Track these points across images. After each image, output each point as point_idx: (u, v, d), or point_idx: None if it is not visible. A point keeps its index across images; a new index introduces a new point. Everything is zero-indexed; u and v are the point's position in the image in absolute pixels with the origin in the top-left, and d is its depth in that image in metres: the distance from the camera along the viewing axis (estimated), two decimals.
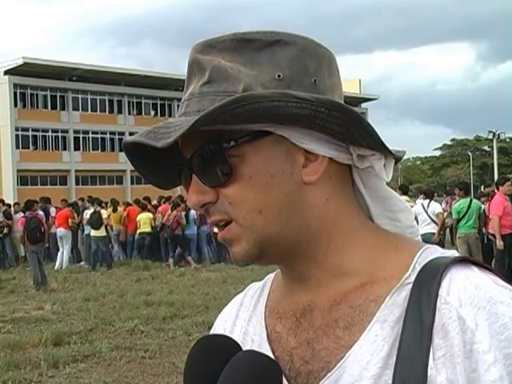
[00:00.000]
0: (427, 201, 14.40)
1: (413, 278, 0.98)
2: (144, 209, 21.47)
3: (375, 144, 1.02)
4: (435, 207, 14.34)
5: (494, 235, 12.85)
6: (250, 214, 0.99)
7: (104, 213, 20.65)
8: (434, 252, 1.02)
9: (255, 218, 1.00)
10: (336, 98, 1.03)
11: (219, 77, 1.00)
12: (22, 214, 19.50)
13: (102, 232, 20.03)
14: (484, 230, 13.84)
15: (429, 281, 0.95)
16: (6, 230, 20.88)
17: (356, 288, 1.02)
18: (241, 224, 1.00)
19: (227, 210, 1.00)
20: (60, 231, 20.57)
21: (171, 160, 1.07)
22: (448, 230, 19.23)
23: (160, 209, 21.17)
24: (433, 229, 13.91)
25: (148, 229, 20.91)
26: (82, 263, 21.42)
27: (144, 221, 20.91)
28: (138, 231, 21.10)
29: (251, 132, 0.98)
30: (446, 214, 16.75)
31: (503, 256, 12.58)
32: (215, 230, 1.06)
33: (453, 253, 1.02)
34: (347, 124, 0.98)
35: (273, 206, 1.00)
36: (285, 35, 1.03)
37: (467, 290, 0.93)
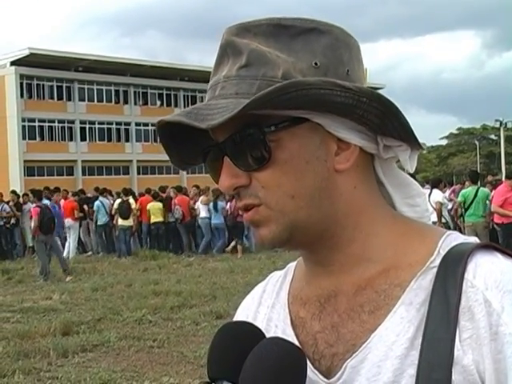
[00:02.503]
0: (431, 189, 14.43)
1: (438, 261, 0.99)
2: (156, 198, 21.26)
3: (407, 136, 1.03)
4: (436, 196, 14.33)
5: (498, 224, 12.88)
6: (283, 199, 1.00)
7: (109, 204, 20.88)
8: (457, 238, 1.04)
9: (287, 202, 1.00)
10: None
11: (257, 61, 1.00)
12: (31, 205, 19.61)
13: (130, 222, 20.34)
14: (488, 218, 13.82)
15: (454, 264, 0.97)
16: (13, 221, 20.93)
17: (380, 273, 1.03)
18: (272, 208, 1.01)
19: (259, 193, 1.01)
20: (68, 222, 20.69)
21: (197, 141, 1.08)
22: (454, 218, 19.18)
23: (176, 200, 20.83)
24: (436, 218, 13.94)
25: (160, 218, 20.78)
26: (89, 253, 21.56)
27: (154, 211, 20.78)
28: (151, 221, 20.96)
29: (289, 118, 0.99)
30: (452, 202, 16.73)
31: (509, 244, 12.54)
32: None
33: (475, 239, 1.04)
34: (384, 115, 1.00)
35: (305, 191, 1.00)
36: (320, 23, 1.04)
37: (493, 274, 0.95)
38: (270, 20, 1.04)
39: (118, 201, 20.74)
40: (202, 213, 20.18)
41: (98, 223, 21.27)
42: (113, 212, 21.01)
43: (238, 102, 0.95)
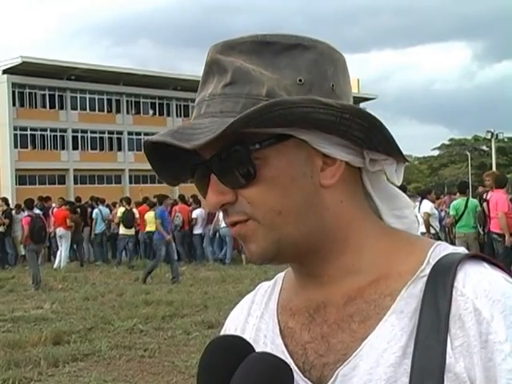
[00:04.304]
0: (421, 200, 14.45)
1: (427, 271, 1.01)
2: (152, 207, 21.16)
3: (391, 150, 1.05)
4: (424, 207, 14.33)
5: (497, 234, 12.70)
6: (270, 214, 1.01)
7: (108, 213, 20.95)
8: (446, 248, 1.05)
9: (275, 218, 1.01)
10: (350, 102, 1.06)
11: (242, 79, 1.01)
12: (23, 214, 19.58)
13: (132, 231, 20.31)
14: (481, 229, 13.67)
15: (444, 274, 0.98)
16: (1, 229, 20.81)
17: (370, 283, 1.04)
18: (259, 222, 1.01)
19: (246, 209, 1.01)
20: (59, 231, 20.66)
21: (185, 158, 1.08)
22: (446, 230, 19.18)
23: (177, 208, 20.81)
24: (425, 229, 13.93)
25: (153, 228, 20.67)
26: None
27: (150, 219, 20.65)
28: (145, 230, 20.60)
29: (274, 135, 0.99)
30: (443, 213, 16.76)
31: (508, 254, 12.39)
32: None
33: (463, 249, 1.05)
34: (368, 130, 1.01)
35: (292, 207, 1.01)
36: (304, 39, 1.05)
37: (482, 283, 0.96)
38: (254, 37, 1.05)
39: (122, 209, 20.68)
40: (223, 223, 19.92)
41: (96, 232, 21.46)
42: (116, 220, 21.02)
43: (222, 122, 0.96)
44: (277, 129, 0.99)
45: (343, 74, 1.08)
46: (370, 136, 1.01)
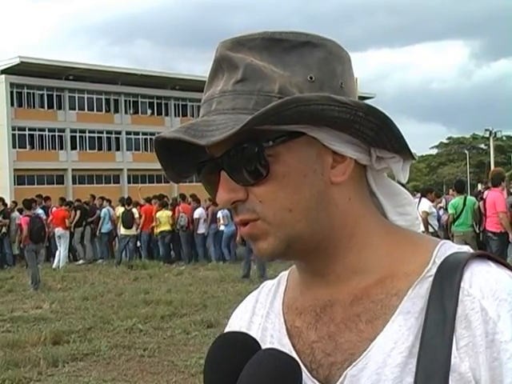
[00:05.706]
0: (420, 199, 14.43)
1: (433, 271, 1.00)
2: (164, 206, 21.05)
3: (400, 147, 1.05)
4: (422, 205, 14.31)
5: (492, 232, 12.69)
6: (281, 212, 1.01)
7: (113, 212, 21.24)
8: (451, 247, 1.05)
9: (285, 216, 1.01)
10: (356, 100, 1.05)
11: (253, 75, 1.00)
12: (18, 213, 19.60)
13: (132, 231, 20.37)
14: (477, 227, 13.62)
15: (450, 274, 0.98)
16: (4, 230, 20.81)
17: (376, 283, 1.04)
18: (269, 222, 1.01)
19: (256, 208, 1.01)
20: (58, 231, 20.67)
21: (193, 155, 1.08)
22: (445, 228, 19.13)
23: (180, 208, 20.70)
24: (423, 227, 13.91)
25: (167, 227, 20.59)
26: (81, 262, 21.51)
27: (164, 219, 20.59)
28: (159, 230, 20.70)
29: (286, 132, 0.99)
30: (441, 212, 16.73)
31: (502, 253, 12.38)
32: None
33: (468, 248, 1.06)
34: (379, 128, 1.01)
35: (303, 204, 1.01)
36: (313, 37, 1.05)
37: (488, 283, 0.96)
38: (264, 34, 1.04)
39: (121, 209, 20.72)
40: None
41: (102, 231, 21.57)
42: (115, 221, 21.10)
43: (237, 118, 0.96)
44: (289, 126, 0.98)
45: (349, 71, 1.08)
46: (380, 134, 1.02)
